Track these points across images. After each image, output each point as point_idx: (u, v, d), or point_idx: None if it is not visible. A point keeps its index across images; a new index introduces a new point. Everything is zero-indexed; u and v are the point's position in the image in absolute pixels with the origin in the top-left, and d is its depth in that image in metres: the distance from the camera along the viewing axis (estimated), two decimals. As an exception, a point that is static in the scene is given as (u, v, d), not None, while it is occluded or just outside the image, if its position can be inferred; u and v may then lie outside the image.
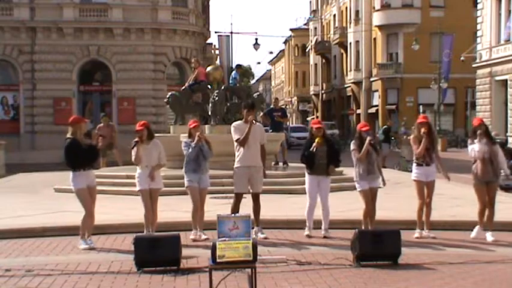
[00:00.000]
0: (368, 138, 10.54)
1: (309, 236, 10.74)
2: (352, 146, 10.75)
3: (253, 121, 10.64)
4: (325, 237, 10.70)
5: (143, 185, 10.41)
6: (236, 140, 10.68)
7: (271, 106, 21.53)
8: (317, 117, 71.71)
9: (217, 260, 7.06)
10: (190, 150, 10.54)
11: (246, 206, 10.74)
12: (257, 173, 10.77)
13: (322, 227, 10.83)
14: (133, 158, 10.41)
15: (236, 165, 10.75)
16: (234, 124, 10.99)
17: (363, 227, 10.47)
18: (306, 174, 10.93)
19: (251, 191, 10.85)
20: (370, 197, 10.59)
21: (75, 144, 10.00)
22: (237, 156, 10.74)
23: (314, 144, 10.56)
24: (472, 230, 10.78)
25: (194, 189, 10.62)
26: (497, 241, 10.39)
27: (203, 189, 10.72)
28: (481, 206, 10.74)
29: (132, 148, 10.34)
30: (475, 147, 10.68)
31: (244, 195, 10.98)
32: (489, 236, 10.54)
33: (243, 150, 10.63)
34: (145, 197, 10.40)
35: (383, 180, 10.89)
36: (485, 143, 10.64)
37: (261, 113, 22.21)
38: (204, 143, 10.55)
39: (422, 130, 10.72)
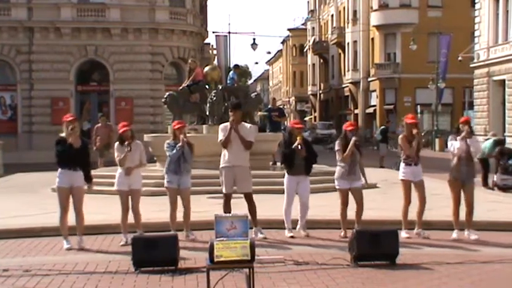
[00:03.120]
0: (353, 139, 10.64)
1: (293, 237, 10.76)
2: (336, 146, 10.89)
3: (235, 121, 10.62)
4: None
5: (122, 185, 10.45)
6: (219, 141, 10.75)
7: (269, 106, 21.54)
8: (315, 117, 71.73)
9: (215, 260, 7.06)
10: (173, 151, 10.55)
11: (244, 207, 10.75)
12: (242, 173, 10.78)
13: (299, 225, 10.88)
14: (118, 159, 10.43)
15: (221, 165, 10.85)
16: (220, 126, 11.11)
17: (341, 227, 10.71)
18: (285, 175, 11.01)
19: (237, 191, 10.90)
20: (354, 196, 10.84)
21: (59, 142, 10.07)
22: (222, 157, 10.84)
23: (298, 142, 10.61)
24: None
25: (172, 190, 10.70)
26: (492, 241, 10.39)
27: (184, 189, 10.73)
28: (454, 205, 10.75)
29: (129, 150, 10.31)
30: (455, 144, 10.72)
31: (234, 195, 11.02)
32: (472, 235, 10.55)
33: (226, 151, 10.71)
34: (123, 198, 10.44)
35: (365, 180, 11.08)
36: (465, 143, 10.65)
37: (258, 113, 22.21)
38: (186, 145, 10.57)
39: (415, 131, 10.77)
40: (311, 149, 11.03)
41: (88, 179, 10.40)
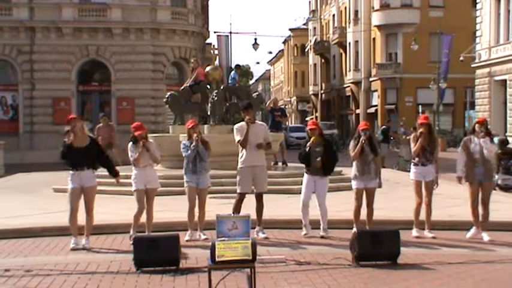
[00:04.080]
0: (362, 138, 10.62)
1: (307, 236, 10.75)
2: (350, 145, 10.88)
3: (251, 120, 10.66)
4: (322, 237, 10.72)
5: (140, 185, 10.40)
6: (237, 142, 10.74)
7: (271, 106, 21.53)
8: (316, 117, 71.76)
9: (217, 260, 7.06)
10: (189, 152, 10.55)
11: (247, 206, 10.74)
12: (261, 172, 10.85)
13: (321, 227, 10.85)
14: (134, 158, 10.34)
15: (240, 165, 10.84)
16: (236, 126, 11.09)
17: (354, 227, 10.55)
18: (304, 174, 11.02)
19: (255, 190, 10.90)
20: (365, 197, 10.72)
21: (64, 144, 10.08)
22: (240, 157, 10.82)
23: (308, 144, 10.65)
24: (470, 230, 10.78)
25: (191, 190, 10.66)
26: (493, 241, 10.38)
27: (202, 189, 10.74)
28: (472, 205, 10.74)
29: (147, 151, 10.28)
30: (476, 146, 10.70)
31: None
32: (485, 236, 10.55)
33: (245, 151, 10.70)
34: (140, 197, 10.39)
35: (379, 182, 10.95)
36: (479, 143, 10.66)
37: (260, 113, 22.17)
38: (200, 143, 10.56)
39: (420, 130, 10.81)
40: (331, 150, 11.00)
41: (113, 173, 10.44)
